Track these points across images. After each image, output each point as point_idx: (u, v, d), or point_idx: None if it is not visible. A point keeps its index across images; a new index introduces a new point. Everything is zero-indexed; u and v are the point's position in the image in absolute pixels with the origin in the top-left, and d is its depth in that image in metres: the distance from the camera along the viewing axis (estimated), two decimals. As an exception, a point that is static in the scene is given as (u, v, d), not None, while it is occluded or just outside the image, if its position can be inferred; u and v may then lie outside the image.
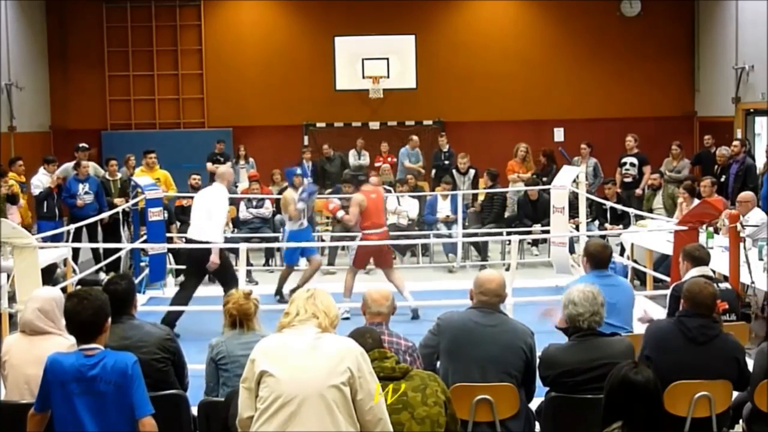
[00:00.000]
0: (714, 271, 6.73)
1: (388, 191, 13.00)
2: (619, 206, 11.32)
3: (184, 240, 9.92)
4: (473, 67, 17.40)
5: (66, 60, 17.59)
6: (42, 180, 11.53)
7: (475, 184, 13.26)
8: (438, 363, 4.82)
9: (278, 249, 12.33)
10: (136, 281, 8.50)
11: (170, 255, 10.78)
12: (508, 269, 9.45)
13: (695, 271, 5.90)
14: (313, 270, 9.97)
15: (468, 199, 13.21)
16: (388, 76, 16.24)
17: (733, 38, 15.68)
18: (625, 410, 3.47)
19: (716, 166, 12.61)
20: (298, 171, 10.58)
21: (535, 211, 12.47)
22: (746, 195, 9.38)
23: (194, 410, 4.83)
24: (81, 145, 12.66)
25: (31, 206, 11.80)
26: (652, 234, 9.56)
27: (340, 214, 9.83)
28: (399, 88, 16.43)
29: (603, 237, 9.56)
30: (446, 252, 12.26)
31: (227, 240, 9.95)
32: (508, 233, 11.61)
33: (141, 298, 8.21)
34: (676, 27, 17.60)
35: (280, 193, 12.68)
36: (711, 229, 8.16)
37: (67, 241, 9.76)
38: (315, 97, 17.14)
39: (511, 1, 17.84)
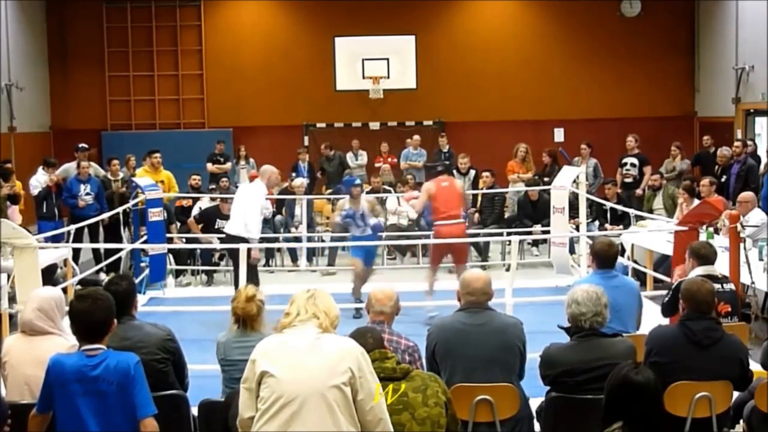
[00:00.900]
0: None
1: (388, 191, 13.01)
2: (619, 206, 11.32)
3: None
4: (473, 67, 17.41)
5: (66, 60, 17.60)
6: (40, 180, 11.53)
7: (475, 185, 13.26)
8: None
9: (278, 249, 12.34)
10: (137, 282, 8.50)
11: (170, 255, 10.78)
12: (508, 269, 9.44)
13: (700, 270, 5.84)
14: (360, 273, 9.45)
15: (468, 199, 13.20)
16: (388, 77, 16.26)
17: (733, 38, 15.68)
18: (626, 410, 3.47)
19: (717, 167, 12.61)
20: (357, 181, 10.09)
21: (536, 211, 12.47)
22: (746, 195, 9.38)
23: (194, 410, 4.83)
24: (81, 145, 12.66)
25: (29, 207, 11.78)
26: (653, 234, 9.56)
27: (412, 202, 9.58)
28: (399, 89, 16.45)
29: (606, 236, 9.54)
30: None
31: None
32: (509, 233, 11.62)
33: (141, 299, 8.21)
34: (676, 27, 17.61)
35: (281, 193, 12.69)
36: (711, 229, 8.15)
37: (67, 241, 9.76)
38: (315, 97, 17.14)
39: (511, 1, 17.84)
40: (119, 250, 10.29)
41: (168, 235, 10.95)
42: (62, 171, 12.20)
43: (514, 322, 4.87)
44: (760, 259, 7.81)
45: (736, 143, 12.73)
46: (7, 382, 4.54)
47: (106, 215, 11.19)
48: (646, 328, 5.24)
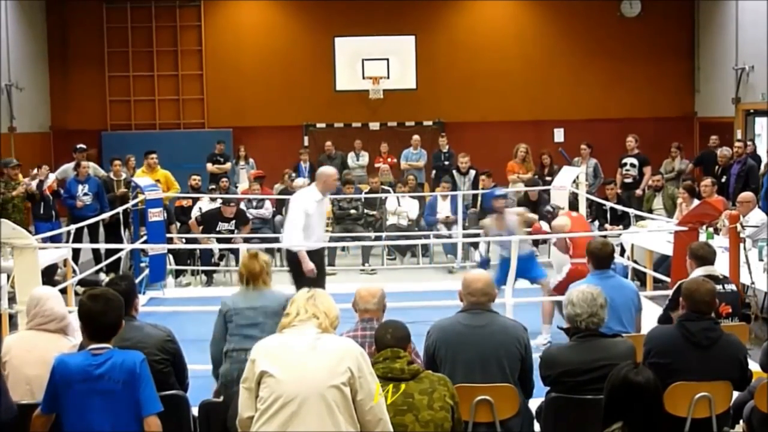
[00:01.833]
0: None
1: (388, 191, 13.01)
2: (619, 207, 11.32)
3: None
4: (473, 68, 17.41)
5: (66, 60, 17.60)
6: (68, 171, 11.64)
7: (475, 185, 13.26)
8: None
9: (278, 249, 12.33)
10: (137, 282, 8.49)
11: (170, 255, 10.78)
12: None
13: (700, 271, 5.80)
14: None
15: (468, 199, 13.20)
16: (388, 77, 16.26)
17: (733, 39, 15.68)
18: (626, 411, 3.47)
19: (717, 167, 12.60)
20: (498, 192, 8.97)
21: (536, 211, 12.44)
22: (746, 195, 9.38)
23: (195, 411, 4.83)
24: (79, 146, 12.63)
25: (27, 207, 11.77)
26: (652, 234, 9.56)
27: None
28: (399, 89, 16.45)
29: (603, 237, 9.53)
30: (446, 252, 12.26)
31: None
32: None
33: (141, 299, 8.19)
34: (676, 28, 17.61)
35: (282, 192, 12.68)
36: (711, 229, 8.15)
37: (67, 241, 9.76)
38: (315, 97, 17.14)
39: (511, 1, 17.84)
40: (119, 250, 10.28)
41: (168, 236, 10.95)
42: (61, 172, 12.21)
43: (517, 325, 4.81)
44: (760, 260, 7.81)
45: (738, 143, 12.72)
46: (8, 382, 4.52)
47: (106, 215, 11.19)
48: (646, 329, 5.23)
